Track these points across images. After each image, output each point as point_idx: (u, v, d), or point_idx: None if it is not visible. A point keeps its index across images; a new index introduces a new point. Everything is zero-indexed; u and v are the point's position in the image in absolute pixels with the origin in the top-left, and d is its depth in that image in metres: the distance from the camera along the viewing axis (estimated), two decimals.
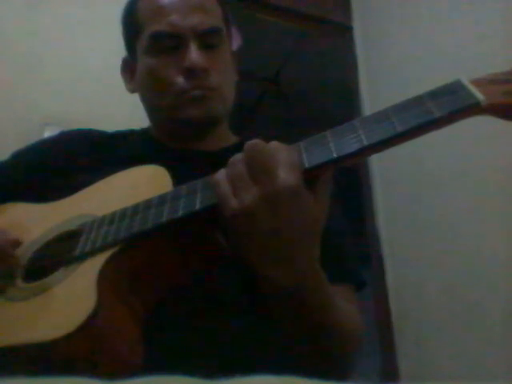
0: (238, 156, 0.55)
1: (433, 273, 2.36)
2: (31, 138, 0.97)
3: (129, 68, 0.91)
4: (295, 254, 0.55)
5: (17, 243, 0.67)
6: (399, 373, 2.42)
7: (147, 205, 0.60)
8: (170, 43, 0.82)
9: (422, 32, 2.51)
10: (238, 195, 0.53)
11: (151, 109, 0.90)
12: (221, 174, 0.55)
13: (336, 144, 0.53)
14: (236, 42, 2.19)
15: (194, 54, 0.81)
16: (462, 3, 2.34)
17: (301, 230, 0.54)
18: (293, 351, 0.65)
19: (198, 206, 0.56)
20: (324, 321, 0.62)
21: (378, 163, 2.68)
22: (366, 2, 2.87)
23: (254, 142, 0.54)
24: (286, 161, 0.52)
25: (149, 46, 0.84)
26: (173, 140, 0.88)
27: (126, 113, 1.52)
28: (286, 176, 0.52)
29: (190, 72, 0.81)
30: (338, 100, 2.88)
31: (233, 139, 0.92)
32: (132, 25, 0.88)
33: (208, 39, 0.83)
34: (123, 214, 0.61)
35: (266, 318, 0.71)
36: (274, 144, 0.54)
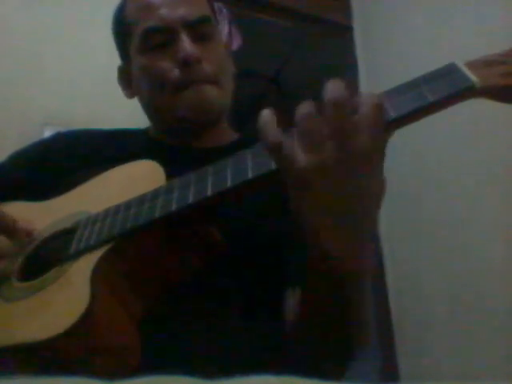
0: (307, 108, 0.50)
1: (433, 273, 2.36)
2: (31, 138, 0.97)
3: (125, 75, 0.91)
4: (357, 222, 0.52)
5: (31, 232, 0.67)
6: (399, 373, 2.42)
7: (140, 200, 0.60)
8: (161, 39, 0.82)
9: (422, 32, 2.51)
10: (311, 150, 0.49)
11: (150, 109, 0.90)
12: (277, 133, 0.50)
13: None
14: (236, 41, 2.19)
15: (187, 45, 0.81)
16: (461, 3, 2.33)
17: (369, 197, 0.52)
18: (304, 342, 0.64)
19: (191, 200, 0.55)
20: (354, 307, 0.60)
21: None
22: (366, 1, 2.86)
23: (336, 97, 0.48)
24: (370, 121, 0.48)
25: (141, 44, 0.84)
26: (172, 138, 0.87)
27: (126, 113, 1.51)
28: (368, 139, 0.48)
29: (185, 63, 0.81)
30: None
31: (233, 136, 0.92)
32: (122, 28, 0.88)
33: (199, 29, 0.84)
34: (117, 211, 0.61)
35: (267, 317, 0.71)
36: (361, 98, 0.49)
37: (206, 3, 0.88)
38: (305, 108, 0.50)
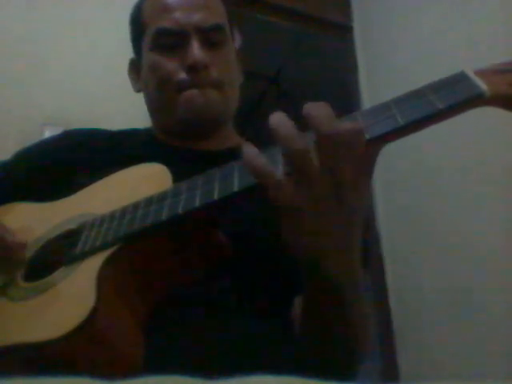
0: (301, 145, 0.49)
1: (433, 273, 2.37)
2: (31, 138, 0.97)
3: (135, 68, 0.92)
4: (348, 239, 0.54)
5: (23, 246, 0.67)
6: (399, 373, 2.42)
7: (147, 203, 0.60)
8: (173, 41, 0.83)
9: (422, 32, 2.51)
10: (302, 186, 0.50)
11: (152, 107, 0.90)
12: (269, 170, 0.50)
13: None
14: (236, 41, 2.20)
15: (196, 50, 0.82)
16: (462, 3, 2.34)
17: (357, 214, 0.53)
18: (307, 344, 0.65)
19: (197, 204, 0.55)
20: (351, 308, 0.61)
21: (377, 163, 2.68)
22: (366, 1, 2.87)
23: (327, 134, 0.48)
24: (352, 149, 0.49)
25: (153, 42, 0.85)
26: (176, 139, 0.88)
27: (126, 112, 1.52)
28: (353, 168, 0.50)
29: (192, 68, 0.82)
30: (337, 100, 2.87)
31: (237, 140, 0.92)
32: (138, 24, 0.89)
33: (211, 36, 0.84)
34: (123, 213, 0.61)
35: (266, 318, 0.71)
36: (342, 130, 0.49)
37: (222, 11, 0.89)
38: (298, 144, 0.50)
